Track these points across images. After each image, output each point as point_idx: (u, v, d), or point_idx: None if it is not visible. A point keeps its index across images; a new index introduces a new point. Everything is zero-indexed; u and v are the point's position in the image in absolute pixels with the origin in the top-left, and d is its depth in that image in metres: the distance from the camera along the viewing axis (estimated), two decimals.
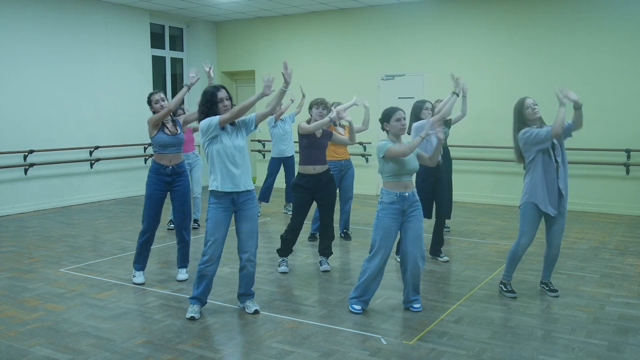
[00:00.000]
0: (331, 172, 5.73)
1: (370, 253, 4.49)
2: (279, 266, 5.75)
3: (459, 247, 6.76)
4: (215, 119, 4.25)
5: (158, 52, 11.52)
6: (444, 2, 9.95)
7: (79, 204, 9.84)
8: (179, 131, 5.29)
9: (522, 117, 4.69)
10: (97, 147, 10.02)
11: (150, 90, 10.89)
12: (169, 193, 5.33)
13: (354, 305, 4.56)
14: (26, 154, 9.05)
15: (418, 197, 4.53)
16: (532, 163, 4.67)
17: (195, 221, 7.67)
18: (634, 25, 8.62)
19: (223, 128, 4.30)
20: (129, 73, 10.64)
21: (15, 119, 8.99)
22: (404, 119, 4.51)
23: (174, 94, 11.93)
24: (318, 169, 5.53)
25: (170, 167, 5.24)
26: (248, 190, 4.40)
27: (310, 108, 5.73)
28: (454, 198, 9.84)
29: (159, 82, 11.62)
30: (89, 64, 9.98)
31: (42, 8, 9.27)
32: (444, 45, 10.00)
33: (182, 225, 5.35)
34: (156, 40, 11.41)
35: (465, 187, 9.93)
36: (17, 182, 9.07)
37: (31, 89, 9.18)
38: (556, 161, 4.65)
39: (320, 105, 5.65)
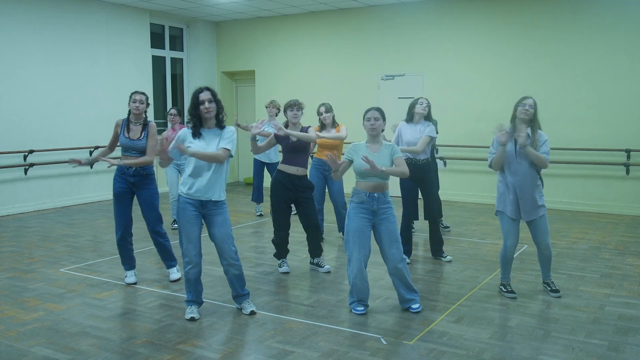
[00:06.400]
0: (309, 180, 5.73)
1: (347, 255, 4.50)
2: (280, 267, 5.75)
3: (459, 247, 6.76)
4: (183, 136, 4.30)
5: (158, 52, 11.52)
6: (444, 2, 9.95)
7: (79, 204, 9.84)
8: (142, 137, 5.12)
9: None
10: (97, 147, 10.00)
11: (151, 90, 10.97)
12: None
13: (356, 308, 4.54)
14: (26, 154, 9.05)
15: (390, 200, 4.50)
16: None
17: (175, 221, 7.70)
18: (634, 25, 8.62)
19: (195, 135, 4.29)
20: (129, 73, 10.63)
21: (15, 119, 8.99)
22: (375, 119, 4.42)
23: (173, 94, 11.95)
24: (300, 170, 5.55)
25: (134, 168, 5.15)
26: (214, 201, 4.33)
27: (284, 111, 5.67)
28: (455, 198, 9.93)
29: (159, 82, 11.62)
30: (89, 64, 9.98)
31: (43, 8, 9.26)
32: (444, 45, 10.00)
33: (152, 229, 5.27)
34: (156, 40, 11.41)
35: (465, 187, 9.93)
36: (17, 182, 9.07)
37: (31, 89, 9.18)
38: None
39: (294, 107, 5.59)
